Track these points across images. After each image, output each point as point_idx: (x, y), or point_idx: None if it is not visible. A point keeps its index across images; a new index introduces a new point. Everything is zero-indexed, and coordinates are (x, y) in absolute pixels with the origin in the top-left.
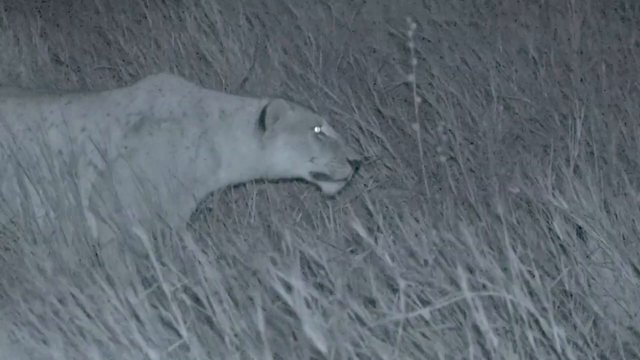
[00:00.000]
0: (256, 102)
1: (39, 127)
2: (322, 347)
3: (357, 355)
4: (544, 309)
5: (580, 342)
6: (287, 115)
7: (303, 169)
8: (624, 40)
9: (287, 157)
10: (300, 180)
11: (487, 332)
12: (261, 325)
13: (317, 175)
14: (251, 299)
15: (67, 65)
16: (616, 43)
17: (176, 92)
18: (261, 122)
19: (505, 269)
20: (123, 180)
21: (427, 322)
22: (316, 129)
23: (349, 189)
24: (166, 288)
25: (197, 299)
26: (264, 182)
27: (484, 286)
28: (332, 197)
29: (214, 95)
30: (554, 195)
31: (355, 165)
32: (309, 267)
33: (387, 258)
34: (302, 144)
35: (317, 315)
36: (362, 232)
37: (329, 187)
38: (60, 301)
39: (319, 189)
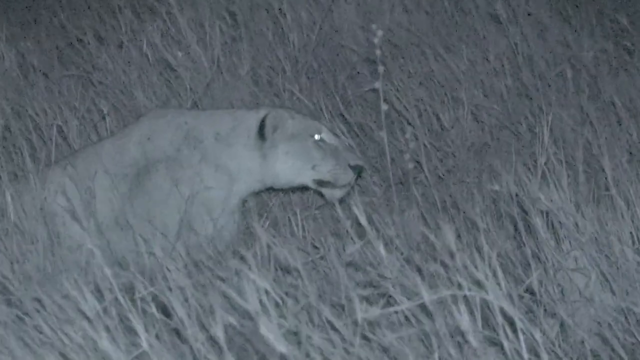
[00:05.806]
0: (253, 114)
1: (45, 200)
2: (281, 347)
3: None
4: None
5: (548, 348)
6: (286, 124)
7: (306, 177)
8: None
9: (289, 166)
10: (305, 188)
11: (467, 332)
12: (220, 333)
13: (321, 183)
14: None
15: (35, 72)
16: (582, 49)
17: (165, 133)
18: (261, 133)
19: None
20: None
21: (394, 326)
22: (316, 137)
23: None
24: (119, 296)
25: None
26: None
27: (460, 286)
28: (335, 204)
29: (204, 120)
30: (534, 193)
31: (358, 170)
32: (280, 271)
33: (382, 250)
34: (303, 152)
35: (277, 317)
36: (363, 221)
37: (332, 194)
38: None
39: (322, 196)
